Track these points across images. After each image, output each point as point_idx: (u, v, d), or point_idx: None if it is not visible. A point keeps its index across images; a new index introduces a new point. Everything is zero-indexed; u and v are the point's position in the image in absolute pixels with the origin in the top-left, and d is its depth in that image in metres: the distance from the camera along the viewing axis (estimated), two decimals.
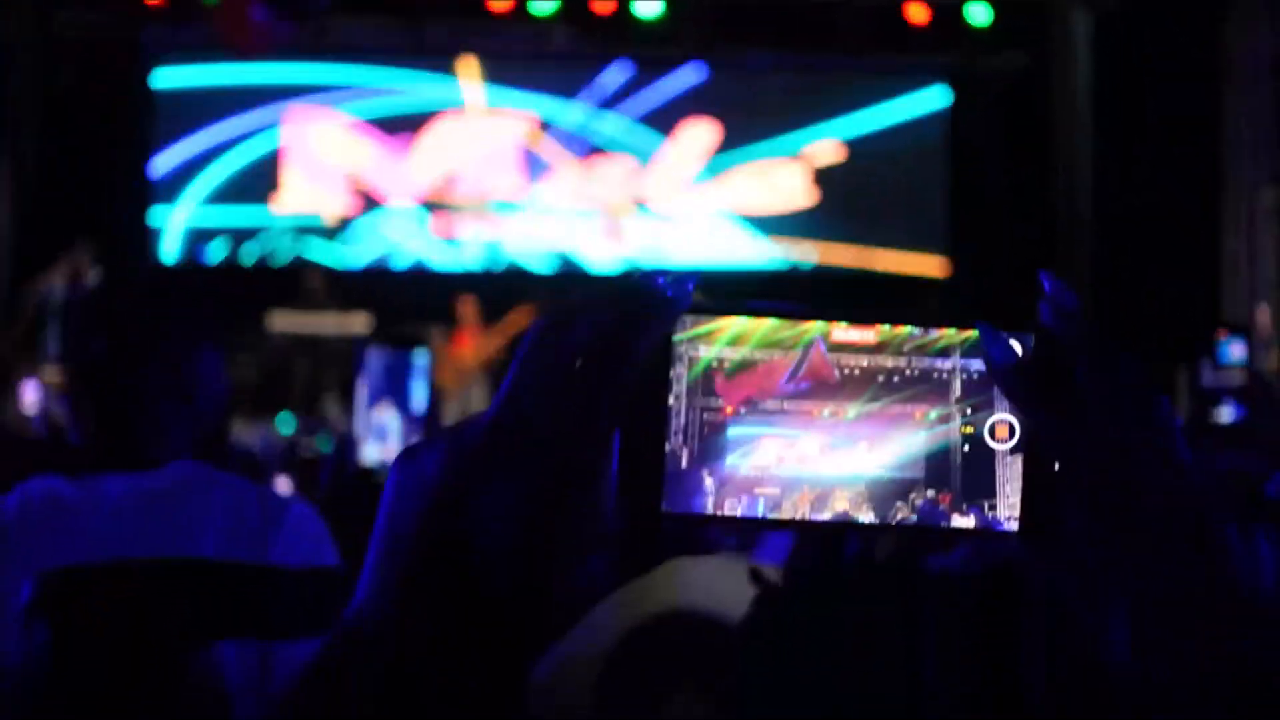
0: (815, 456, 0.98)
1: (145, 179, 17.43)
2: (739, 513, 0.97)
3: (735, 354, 1.01)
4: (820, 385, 1.00)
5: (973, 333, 1.00)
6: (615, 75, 18.10)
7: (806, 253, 18.42)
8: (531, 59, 17.57)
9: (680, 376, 0.98)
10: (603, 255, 18.07)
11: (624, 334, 0.95)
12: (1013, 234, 17.19)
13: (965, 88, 18.23)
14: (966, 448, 0.99)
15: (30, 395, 9.19)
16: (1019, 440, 0.99)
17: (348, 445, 8.24)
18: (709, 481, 0.97)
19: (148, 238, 17.20)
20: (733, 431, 0.98)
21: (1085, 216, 17.19)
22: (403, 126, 17.81)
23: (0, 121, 16.04)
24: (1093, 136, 17.17)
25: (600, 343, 0.94)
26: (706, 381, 0.99)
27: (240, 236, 17.54)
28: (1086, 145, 17.23)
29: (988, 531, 0.98)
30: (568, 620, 0.96)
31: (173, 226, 17.39)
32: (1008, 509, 0.98)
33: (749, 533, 1.01)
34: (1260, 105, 14.60)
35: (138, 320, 2.36)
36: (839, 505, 0.97)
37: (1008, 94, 17.87)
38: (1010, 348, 0.97)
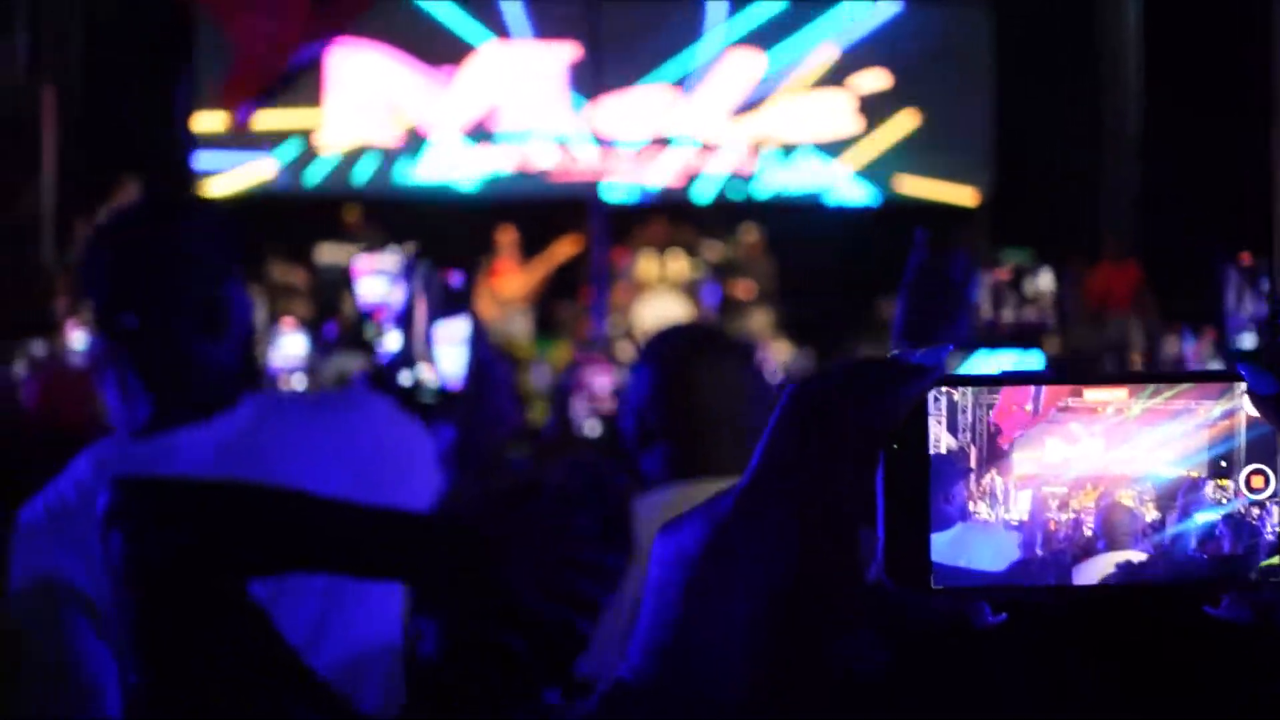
0: (1098, 455, 0.97)
1: (189, 108, 17.45)
2: (1011, 518, 0.96)
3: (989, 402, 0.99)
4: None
5: (1235, 382, 0.98)
6: (653, 8, 18.01)
7: (848, 183, 18.43)
8: None
9: (938, 436, 0.97)
10: (645, 185, 18.07)
11: (879, 399, 0.94)
12: (1060, 160, 17.06)
13: (1010, 10, 18.04)
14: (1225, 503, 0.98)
15: (78, 335, 9.23)
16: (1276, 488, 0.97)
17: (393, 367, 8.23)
18: (979, 519, 0.97)
19: (191, 169, 17.25)
20: (996, 469, 0.97)
21: (1133, 141, 17.06)
22: (445, 58, 17.76)
23: (39, 48, 16.04)
24: (1143, 62, 17.02)
25: (855, 407, 0.93)
26: (968, 431, 0.98)
27: (285, 167, 17.60)
28: (1137, 69, 17.08)
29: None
30: (839, 695, 0.95)
31: (216, 158, 17.44)
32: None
33: (1029, 599, 0.96)
34: None
35: (163, 260, 2.35)
36: (1125, 502, 0.96)
37: (1053, 15, 17.67)
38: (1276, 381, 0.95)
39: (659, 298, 15.21)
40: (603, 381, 3.95)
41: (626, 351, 7.51)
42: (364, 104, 17.75)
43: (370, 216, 15.75)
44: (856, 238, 16.92)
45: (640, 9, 17.89)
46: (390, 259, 2.53)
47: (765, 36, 18.11)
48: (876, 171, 18.37)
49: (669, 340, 2.83)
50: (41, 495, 2.31)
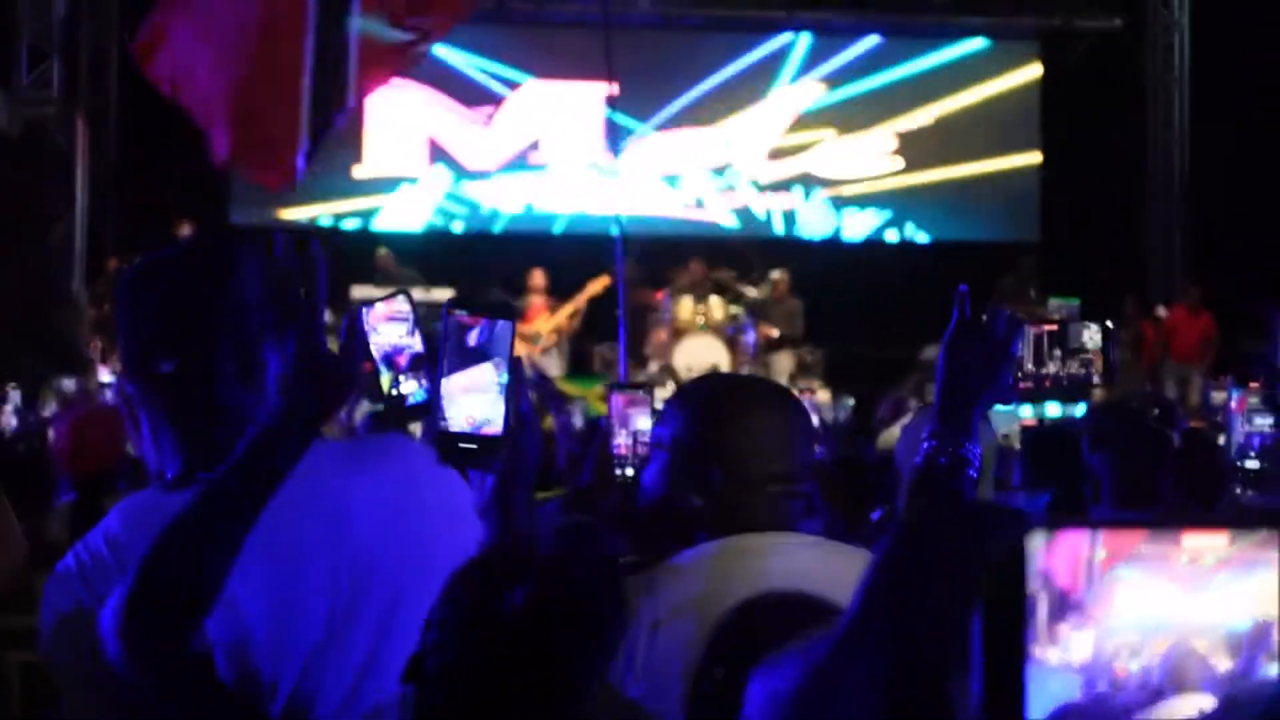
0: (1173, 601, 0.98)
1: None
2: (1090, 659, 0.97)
3: None
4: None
5: None
6: (702, 41, 17.93)
7: (891, 225, 18.28)
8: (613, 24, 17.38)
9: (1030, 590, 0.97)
10: (682, 223, 17.96)
11: (982, 545, 0.96)
12: (1106, 196, 16.94)
13: (1057, 50, 17.96)
14: None
15: (108, 373, 9.09)
16: None
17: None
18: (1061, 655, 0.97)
19: (228, 204, 17.20)
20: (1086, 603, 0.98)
21: (1181, 177, 16.97)
22: (483, 99, 17.76)
23: (74, 76, 16.01)
24: (1190, 97, 16.91)
25: (953, 555, 0.97)
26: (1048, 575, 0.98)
27: (323, 201, 17.58)
28: (1183, 105, 16.99)
29: None
30: None
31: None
32: None
33: None
34: None
35: (204, 306, 2.29)
36: (1197, 649, 0.98)
37: (1100, 55, 17.59)
38: None
39: (697, 340, 15.10)
40: (644, 425, 3.78)
41: (665, 394, 7.33)
42: (402, 140, 17.71)
43: (402, 256, 15.64)
44: (900, 281, 16.79)
45: (681, 46, 17.86)
46: (404, 303, 2.38)
47: (809, 76, 18.03)
48: (922, 214, 18.25)
49: (710, 388, 2.74)
50: (76, 547, 2.27)
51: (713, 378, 2.55)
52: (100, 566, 2.20)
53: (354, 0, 9.46)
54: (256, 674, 2.15)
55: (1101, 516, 0.89)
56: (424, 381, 2.43)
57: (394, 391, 2.45)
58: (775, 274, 15.91)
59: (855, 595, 0.98)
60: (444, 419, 2.23)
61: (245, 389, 2.29)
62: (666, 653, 2.20)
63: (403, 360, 2.44)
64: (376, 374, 2.47)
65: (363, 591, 2.21)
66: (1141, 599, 0.97)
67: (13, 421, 6.02)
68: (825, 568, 2.23)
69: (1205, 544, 0.97)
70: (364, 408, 8.39)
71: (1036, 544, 0.96)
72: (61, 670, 2.22)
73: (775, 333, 15.58)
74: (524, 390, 2.35)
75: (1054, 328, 2.70)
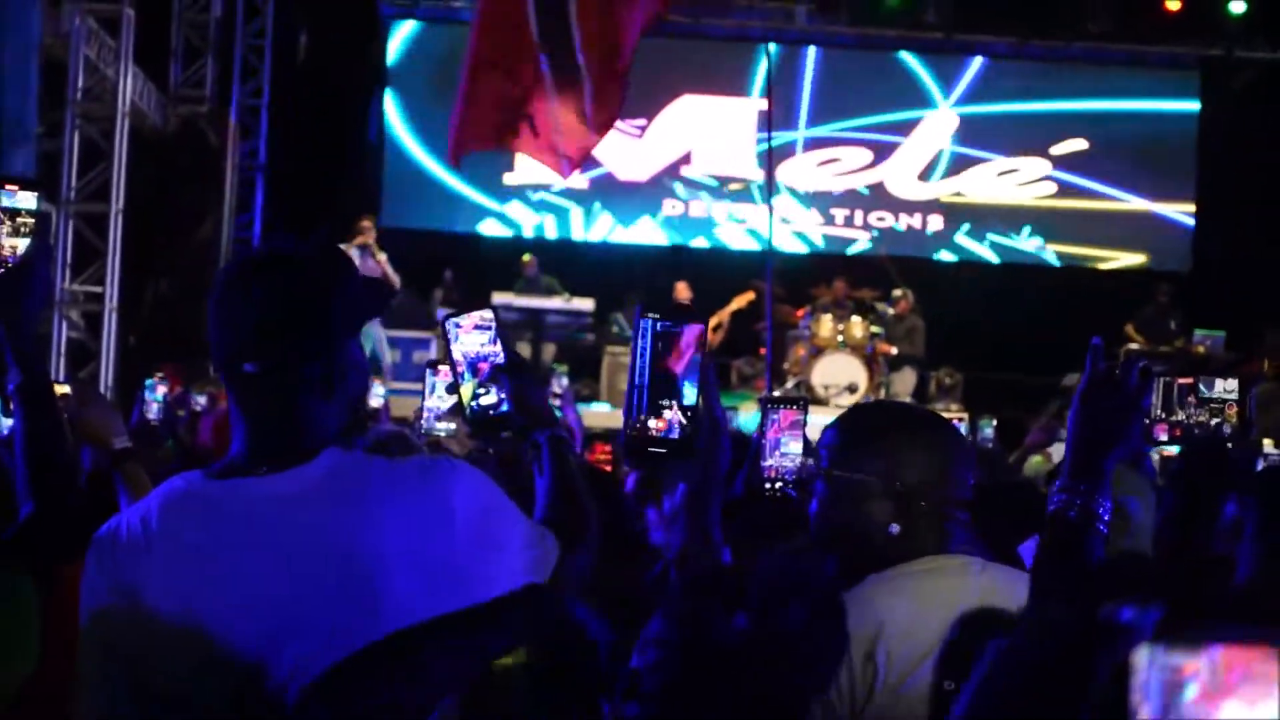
0: None
1: (376, 145, 17.59)
2: None
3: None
4: None
5: None
6: (857, 60, 17.81)
7: (1039, 248, 18.05)
8: (768, 40, 17.44)
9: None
10: (826, 239, 17.87)
11: (1089, 662, 0.98)
12: (1258, 227, 16.59)
13: (1217, 80, 17.63)
14: None
15: None
16: None
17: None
18: None
19: (378, 205, 17.35)
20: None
21: None
22: (635, 111, 17.74)
23: (226, 77, 16.22)
24: None
25: (1063, 663, 0.99)
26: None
27: (472, 208, 17.69)
28: None
29: None
30: None
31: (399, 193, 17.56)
32: None
33: None
34: None
35: (293, 314, 2.34)
36: None
37: (1261, 85, 17.25)
38: None
39: (835, 358, 15.00)
40: (797, 443, 3.71)
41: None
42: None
43: (546, 264, 15.65)
44: (1044, 306, 16.60)
45: (837, 66, 17.77)
46: (489, 314, 2.54)
47: (963, 98, 17.91)
48: (1068, 239, 18.04)
49: (887, 418, 2.85)
50: (120, 516, 2.38)
51: (881, 408, 2.65)
52: (132, 545, 2.28)
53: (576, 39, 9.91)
54: (246, 664, 2.19)
55: (1227, 632, 0.79)
56: (503, 393, 2.50)
57: (475, 403, 2.53)
58: (897, 292, 15.78)
59: (975, 676, 1.02)
60: (635, 422, 2.26)
61: (325, 399, 2.34)
62: (884, 672, 2.32)
63: (485, 368, 2.52)
64: (458, 381, 2.52)
65: (367, 611, 2.21)
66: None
67: (156, 411, 6.05)
68: (1007, 588, 2.40)
69: None
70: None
71: (1144, 659, 0.94)
72: (84, 639, 2.28)
73: (893, 350, 15.44)
74: (715, 396, 2.37)
75: (1189, 380, 2.71)
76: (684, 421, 2.25)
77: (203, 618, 2.18)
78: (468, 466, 2.38)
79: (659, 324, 2.28)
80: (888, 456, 2.58)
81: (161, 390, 6.26)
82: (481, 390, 2.52)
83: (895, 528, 2.55)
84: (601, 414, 13.53)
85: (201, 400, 8.51)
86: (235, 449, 2.35)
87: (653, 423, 2.26)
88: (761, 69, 17.39)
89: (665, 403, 2.26)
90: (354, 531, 2.26)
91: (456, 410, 2.91)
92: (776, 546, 1.99)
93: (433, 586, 2.22)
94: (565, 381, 9.77)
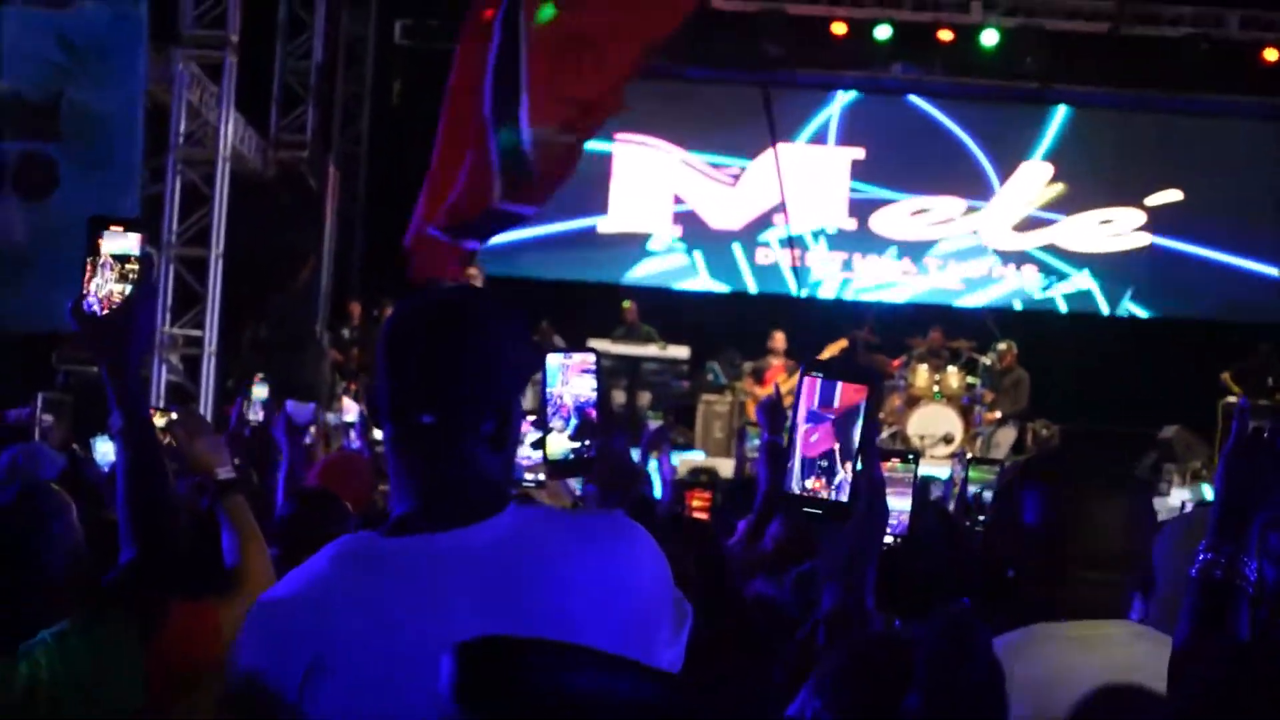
0: None
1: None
2: None
3: None
4: None
5: None
6: (951, 109, 17.74)
7: (1132, 298, 17.89)
8: (866, 88, 17.42)
9: None
10: (925, 290, 17.77)
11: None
12: None
13: None
14: None
15: (350, 407, 9.14)
16: None
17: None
18: None
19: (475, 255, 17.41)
20: None
21: None
22: (730, 159, 17.79)
23: (328, 123, 16.34)
24: None
25: None
26: None
27: (565, 256, 17.71)
28: None
29: None
30: None
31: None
32: None
33: None
34: None
35: (474, 364, 2.29)
36: None
37: None
38: None
39: (931, 409, 14.90)
40: (903, 500, 3.65)
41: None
42: (648, 196, 17.79)
43: (643, 312, 15.65)
44: (1135, 357, 16.45)
45: (929, 114, 17.66)
46: (592, 359, 2.53)
47: (1058, 148, 17.77)
48: (1164, 290, 17.87)
49: (1055, 469, 2.70)
50: (291, 579, 2.30)
51: (1058, 458, 2.63)
52: (307, 606, 2.21)
53: (522, 113, 10.18)
54: None
55: None
56: (589, 439, 2.48)
57: (565, 448, 2.49)
58: (1001, 345, 15.62)
59: None
60: (792, 480, 2.23)
61: (496, 452, 2.29)
62: None
63: (580, 412, 2.50)
64: (546, 420, 2.51)
65: None
66: None
67: (260, 414, 6.17)
68: (1155, 661, 2.26)
69: None
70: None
71: None
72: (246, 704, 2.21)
73: (997, 415, 15.28)
74: (876, 458, 2.31)
75: None
76: (846, 482, 2.22)
77: (398, 678, 2.13)
78: (634, 522, 2.35)
79: (822, 381, 2.25)
80: (1060, 512, 2.55)
81: (263, 392, 6.35)
82: (572, 434, 2.49)
83: (1047, 591, 2.54)
84: (695, 461, 13.47)
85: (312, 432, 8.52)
86: (404, 506, 2.30)
87: (809, 482, 2.23)
88: (847, 117, 17.39)
89: (824, 464, 2.23)
90: (547, 587, 2.22)
91: (536, 447, 2.87)
92: (934, 610, 1.93)
93: (617, 638, 2.16)
94: (657, 425, 9.69)
